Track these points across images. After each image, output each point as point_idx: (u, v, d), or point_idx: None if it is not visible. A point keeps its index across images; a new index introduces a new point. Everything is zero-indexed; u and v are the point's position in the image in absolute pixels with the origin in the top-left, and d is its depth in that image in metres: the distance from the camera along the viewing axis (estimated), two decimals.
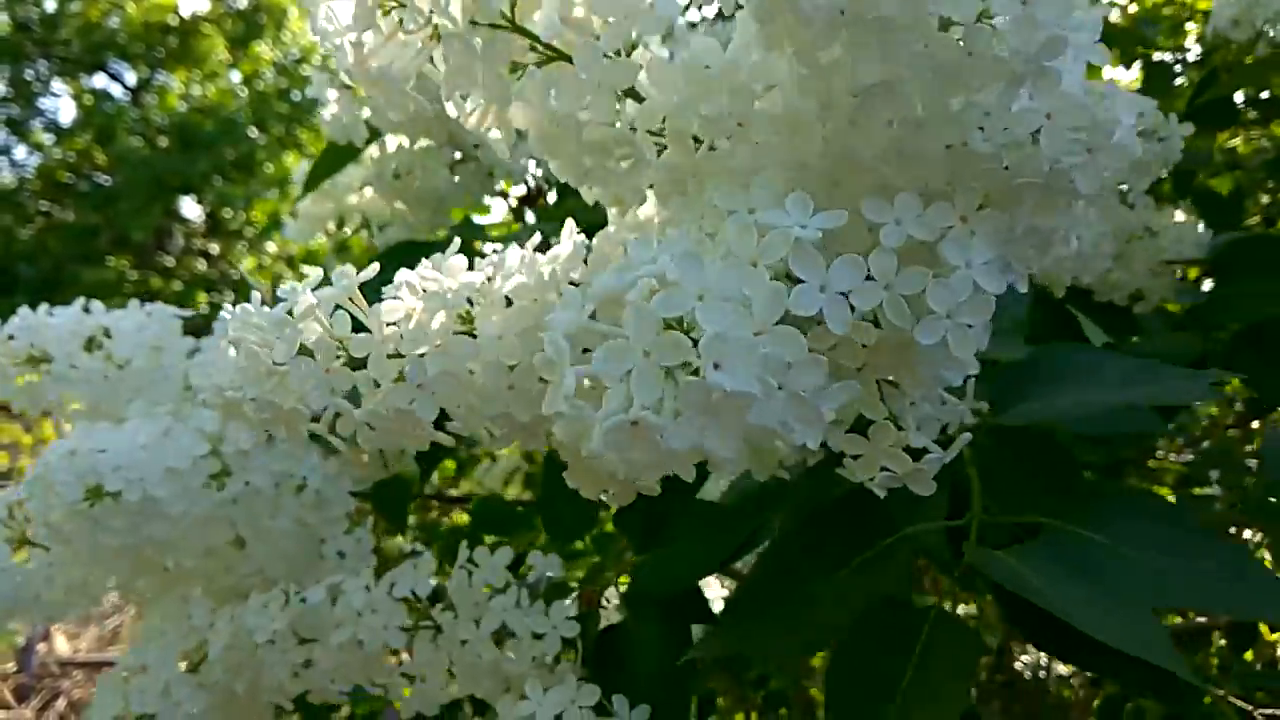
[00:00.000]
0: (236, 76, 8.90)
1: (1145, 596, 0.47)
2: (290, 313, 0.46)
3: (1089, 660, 0.51)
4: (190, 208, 8.21)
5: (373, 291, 0.50)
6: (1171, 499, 1.16)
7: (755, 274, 0.35)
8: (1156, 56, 1.18)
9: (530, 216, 0.98)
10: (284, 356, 0.45)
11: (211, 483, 0.70)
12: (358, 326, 0.48)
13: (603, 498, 0.56)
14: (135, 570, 0.76)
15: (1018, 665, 1.20)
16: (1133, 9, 1.27)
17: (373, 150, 0.91)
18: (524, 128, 0.44)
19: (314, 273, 0.48)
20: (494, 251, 0.52)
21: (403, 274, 0.48)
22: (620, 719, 0.66)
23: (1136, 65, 1.22)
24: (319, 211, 1.07)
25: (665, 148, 0.44)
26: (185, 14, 8.73)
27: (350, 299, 0.48)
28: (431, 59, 0.41)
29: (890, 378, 0.49)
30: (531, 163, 0.91)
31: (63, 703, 3.82)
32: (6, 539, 0.73)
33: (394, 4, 0.39)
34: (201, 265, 7.77)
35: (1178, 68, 1.20)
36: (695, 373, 0.32)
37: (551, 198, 0.98)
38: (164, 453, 0.66)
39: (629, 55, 0.43)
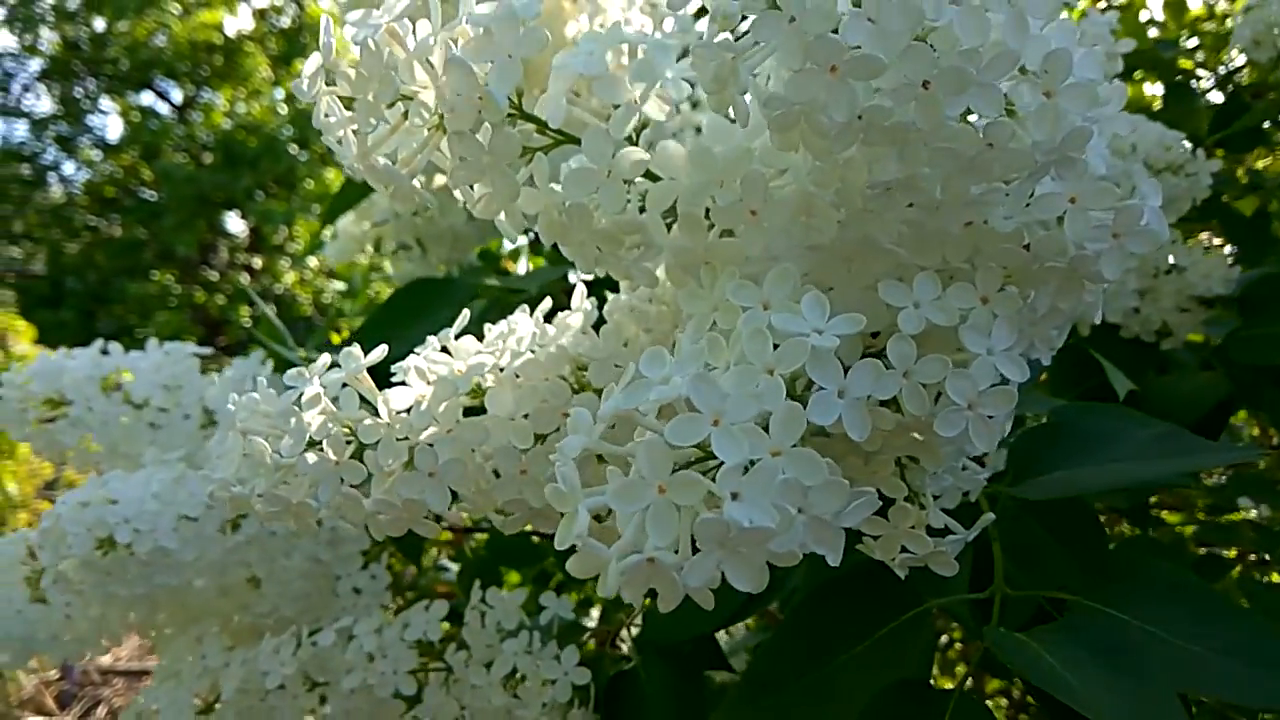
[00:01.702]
0: (279, 94, 8.98)
1: (1172, 682, 0.45)
2: (298, 402, 0.45)
3: None
4: (234, 223, 8.31)
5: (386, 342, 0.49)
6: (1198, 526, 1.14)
7: (772, 387, 0.34)
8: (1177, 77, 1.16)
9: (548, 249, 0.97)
10: (293, 451, 0.44)
11: (226, 526, 0.70)
12: (366, 404, 0.48)
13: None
14: (150, 613, 0.77)
15: None
16: (1154, 33, 1.24)
17: None
18: (531, 213, 0.43)
19: (323, 356, 0.47)
20: (505, 321, 0.51)
21: (411, 360, 0.47)
22: None
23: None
24: (357, 232, 1.07)
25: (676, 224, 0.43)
26: (230, 33, 8.81)
27: (358, 380, 0.48)
28: (439, 147, 0.41)
29: (909, 454, 0.49)
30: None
31: (103, 710, 3.89)
32: (26, 579, 0.73)
33: (400, 99, 0.38)
34: (245, 279, 7.86)
35: (1206, 83, 1.17)
36: (711, 499, 0.31)
37: None
38: (176, 501, 0.66)
39: (639, 136, 0.42)
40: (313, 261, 7.02)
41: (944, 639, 1.26)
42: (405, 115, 0.38)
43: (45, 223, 8.85)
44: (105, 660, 4.32)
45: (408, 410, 0.46)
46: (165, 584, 0.65)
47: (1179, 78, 1.15)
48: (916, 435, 0.45)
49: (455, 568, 1.17)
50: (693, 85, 0.45)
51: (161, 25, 8.71)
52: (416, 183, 0.42)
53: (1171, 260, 0.86)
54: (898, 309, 0.42)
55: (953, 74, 0.33)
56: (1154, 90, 1.21)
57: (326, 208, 0.95)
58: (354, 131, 0.39)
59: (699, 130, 0.43)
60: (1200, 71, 1.19)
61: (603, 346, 0.49)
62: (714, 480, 0.32)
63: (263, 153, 7.84)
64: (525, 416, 0.47)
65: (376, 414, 0.47)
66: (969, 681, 0.52)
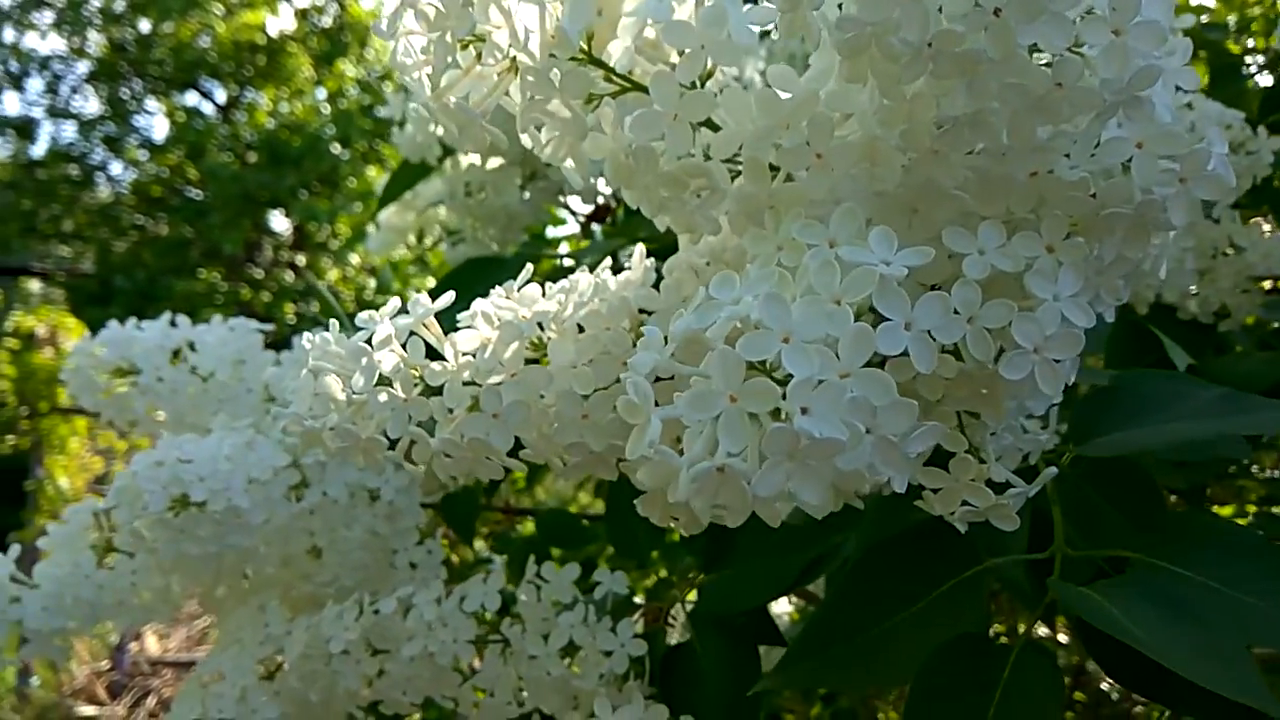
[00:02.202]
0: (322, 93, 9.14)
1: (1236, 635, 0.45)
2: (368, 341, 0.47)
3: (1176, 699, 0.49)
4: (279, 221, 8.48)
5: (448, 317, 0.50)
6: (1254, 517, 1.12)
7: (840, 314, 0.34)
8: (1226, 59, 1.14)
9: (598, 232, 0.98)
10: (363, 386, 0.45)
11: (291, 493, 0.72)
12: (433, 353, 0.49)
13: (671, 524, 0.56)
14: (215, 579, 0.78)
15: (1104, 685, 1.16)
16: (1204, 19, 1.23)
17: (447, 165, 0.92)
18: (599, 158, 0.44)
19: (393, 300, 0.49)
20: (566, 277, 0.52)
21: (478, 303, 0.48)
22: None
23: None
24: (400, 224, 1.08)
25: (740, 174, 0.44)
26: (272, 33, 9.00)
27: (426, 326, 0.49)
28: (508, 91, 0.42)
29: (970, 409, 0.48)
30: (601, 180, 0.91)
31: (153, 700, 3.97)
32: (92, 546, 0.75)
33: (472, 39, 0.39)
34: (289, 277, 8.01)
35: (1252, 67, 1.15)
36: (781, 416, 0.32)
37: (620, 213, 0.98)
38: (247, 464, 0.67)
39: (704, 84, 0.43)
40: (354, 259, 7.12)
41: None
42: (478, 57, 0.40)
43: (94, 222, 9.07)
44: (155, 651, 4.40)
45: (473, 354, 0.47)
46: (235, 545, 0.66)
47: (1227, 61, 1.13)
48: (979, 386, 0.45)
49: (502, 560, 1.18)
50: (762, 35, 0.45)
51: (205, 26, 8.89)
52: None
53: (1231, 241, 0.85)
54: (962, 255, 0.42)
55: (1025, 0, 0.33)
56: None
57: (383, 191, 0.96)
58: (428, 73, 0.40)
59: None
60: (1249, 57, 1.17)
61: (663, 300, 0.50)
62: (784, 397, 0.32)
63: (306, 151, 7.95)
64: (586, 365, 0.48)
65: (443, 359, 0.48)
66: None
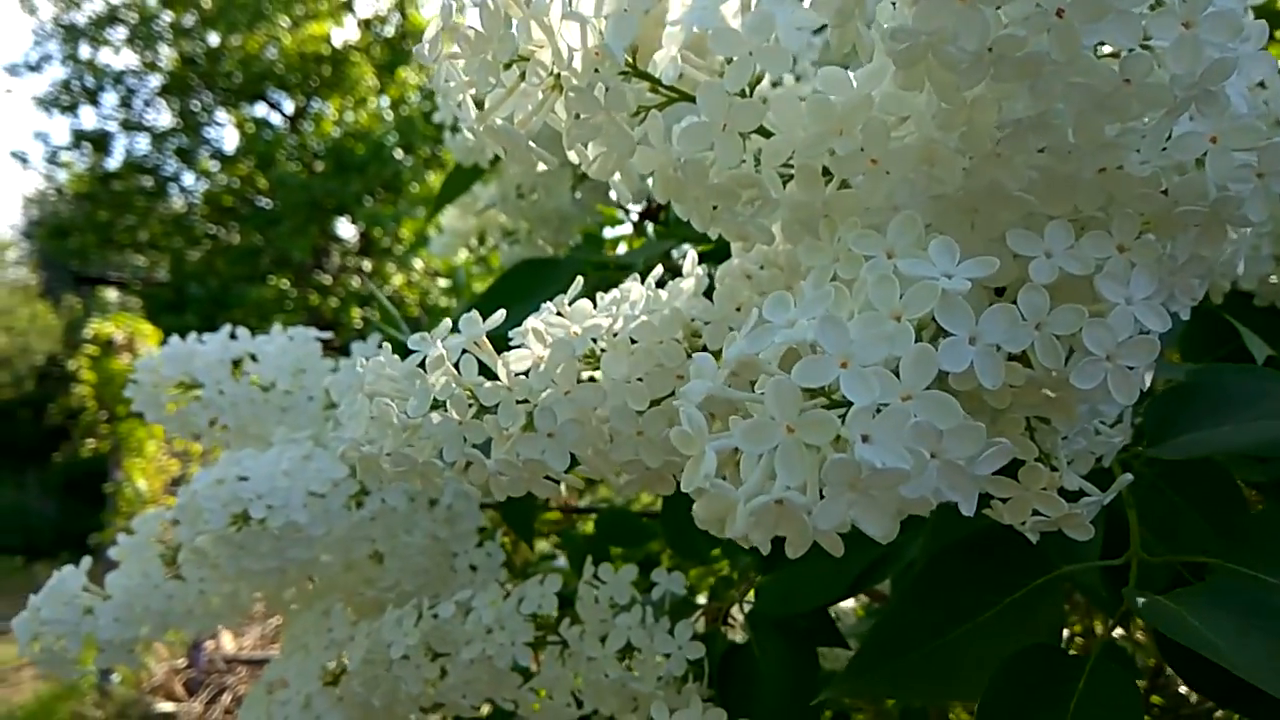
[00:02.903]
0: (385, 101, 9.27)
1: None
2: (421, 365, 0.46)
3: (1259, 709, 0.47)
4: (345, 228, 8.64)
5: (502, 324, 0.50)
6: None
7: (901, 332, 0.33)
8: None
9: (651, 231, 0.97)
10: (418, 411, 0.45)
11: (350, 503, 0.72)
12: (486, 371, 0.49)
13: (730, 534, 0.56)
14: (280, 585, 0.80)
15: (1182, 689, 1.14)
16: None
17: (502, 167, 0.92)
18: (646, 172, 0.43)
19: (444, 321, 0.48)
20: (618, 289, 0.51)
21: (529, 321, 0.48)
22: None
23: None
24: (462, 227, 1.09)
25: (792, 179, 0.43)
26: (337, 44, 9.15)
27: (478, 345, 0.49)
28: (554, 109, 0.41)
29: (1040, 415, 0.47)
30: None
31: (228, 697, 4.10)
32: (160, 555, 0.77)
33: (516, 59, 0.39)
34: (356, 282, 8.16)
35: None
36: (840, 445, 0.31)
37: (672, 211, 0.97)
38: (305, 477, 0.68)
39: (753, 90, 0.42)
40: (418, 263, 7.24)
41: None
42: (522, 76, 0.39)
43: (168, 232, 9.35)
44: (230, 649, 4.53)
45: (526, 373, 0.47)
46: (296, 558, 0.67)
47: None
48: (1048, 392, 0.43)
49: (563, 556, 1.18)
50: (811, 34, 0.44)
51: (272, 38, 9.09)
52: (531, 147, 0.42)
53: None
54: (1028, 259, 0.40)
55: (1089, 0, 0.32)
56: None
57: (437, 195, 0.97)
58: (472, 95, 0.39)
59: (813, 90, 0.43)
60: None
61: (716, 310, 0.49)
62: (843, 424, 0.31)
63: (370, 159, 8.11)
64: (640, 379, 0.47)
65: (495, 378, 0.47)
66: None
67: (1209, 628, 0.42)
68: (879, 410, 0.31)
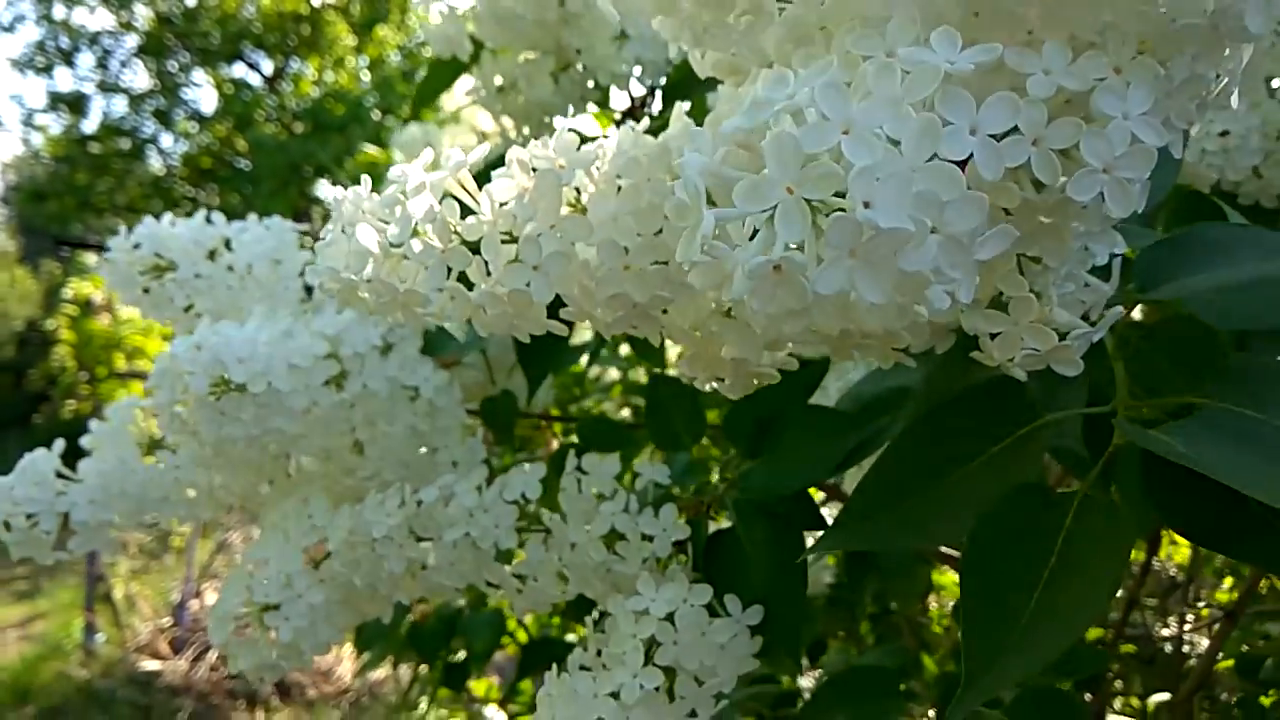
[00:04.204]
0: (363, 61, 9.14)
1: None
2: (402, 194, 0.45)
3: (1247, 548, 0.48)
4: (326, 189, 8.58)
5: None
6: None
7: (904, 113, 0.32)
8: None
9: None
10: (398, 236, 0.44)
11: (331, 385, 0.71)
12: (467, 211, 0.47)
13: (715, 386, 0.55)
14: (258, 475, 0.79)
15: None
16: None
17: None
18: None
19: (425, 150, 0.47)
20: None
21: (513, 151, 0.46)
22: (734, 619, 0.65)
23: None
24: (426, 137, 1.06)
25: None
26: (315, 2, 8.99)
27: (460, 182, 0.47)
28: None
29: (1032, 253, 0.46)
30: (636, 70, 0.89)
31: (213, 654, 4.09)
32: (136, 443, 0.76)
33: None
34: None
35: None
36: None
37: (656, 108, 0.95)
38: (286, 350, 0.67)
39: None
40: None
41: None
42: None
43: (146, 194, 9.23)
44: None
45: (510, 204, 0.46)
46: (277, 429, 0.66)
47: None
48: (1043, 218, 0.43)
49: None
50: None
51: None
52: None
53: None
54: (1026, 75, 0.40)
55: None
56: None
57: (417, 92, 0.95)
58: None
59: None
60: None
61: (706, 144, 0.48)
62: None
63: (349, 119, 8.01)
64: (628, 215, 0.46)
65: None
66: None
67: (1195, 451, 0.41)
68: (881, 177, 0.30)
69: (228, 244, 0.81)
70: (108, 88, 9.98)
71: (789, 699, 1.32)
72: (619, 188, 0.47)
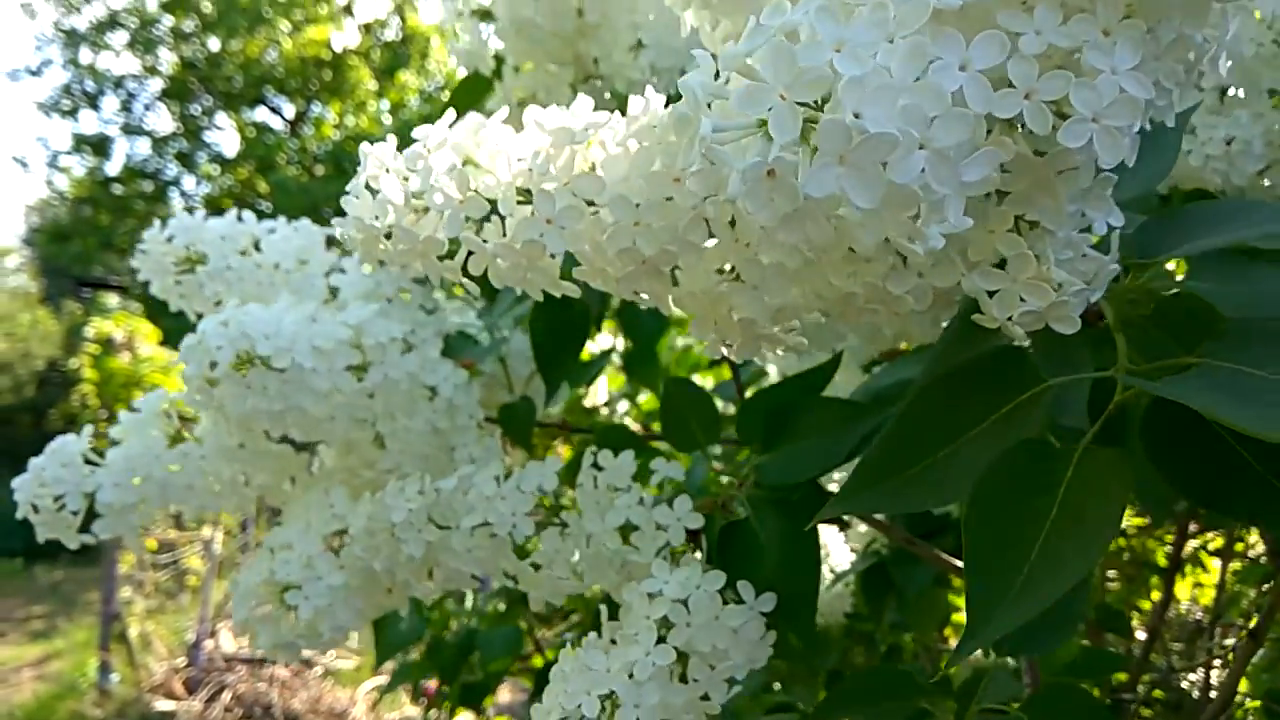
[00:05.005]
0: (384, 104, 9.32)
1: None
2: (425, 150, 0.48)
3: (1244, 506, 0.48)
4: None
5: None
6: None
7: (893, 37, 0.34)
8: None
9: None
10: (419, 187, 0.46)
11: (353, 374, 0.73)
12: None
13: (724, 352, 0.56)
14: (282, 469, 0.80)
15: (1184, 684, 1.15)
16: None
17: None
18: None
19: (448, 112, 0.50)
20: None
21: (531, 110, 0.49)
22: (747, 605, 0.66)
23: None
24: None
25: None
26: (337, 48, 9.22)
27: (477, 141, 0.50)
28: None
29: (1030, 216, 0.48)
30: (654, 80, 0.92)
31: (228, 695, 4.10)
32: (164, 433, 0.78)
33: None
34: None
35: None
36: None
37: None
38: (311, 332, 0.69)
39: None
40: None
41: None
42: None
43: None
44: (230, 648, 4.52)
45: (526, 161, 0.48)
46: (300, 405, 0.68)
47: None
48: (1038, 176, 0.45)
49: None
50: None
51: (272, 42, 9.15)
52: None
53: None
54: (1018, 35, 0.42)
55: None
56: None
57: (448, 105, 0.97)
58: None
59: None
60: None
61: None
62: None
63: None
64: (641, 179, 0.48)
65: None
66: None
67: (1195, 399, 0.43)
68: (871, 85, 0.32)
69: (257, 245, 0.84)
70: (131, 130, 10.20)
71: None
72: (632, 152, 0.49)
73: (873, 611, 1.24)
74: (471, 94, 0.97)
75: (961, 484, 0.50)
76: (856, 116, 0.31)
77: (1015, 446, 0.48)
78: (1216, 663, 1.32)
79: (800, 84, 0.32)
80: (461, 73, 0.99)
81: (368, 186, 0.47)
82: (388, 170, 0.48)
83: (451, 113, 0.49)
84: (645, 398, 1.63)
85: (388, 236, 0.47)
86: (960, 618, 1.43)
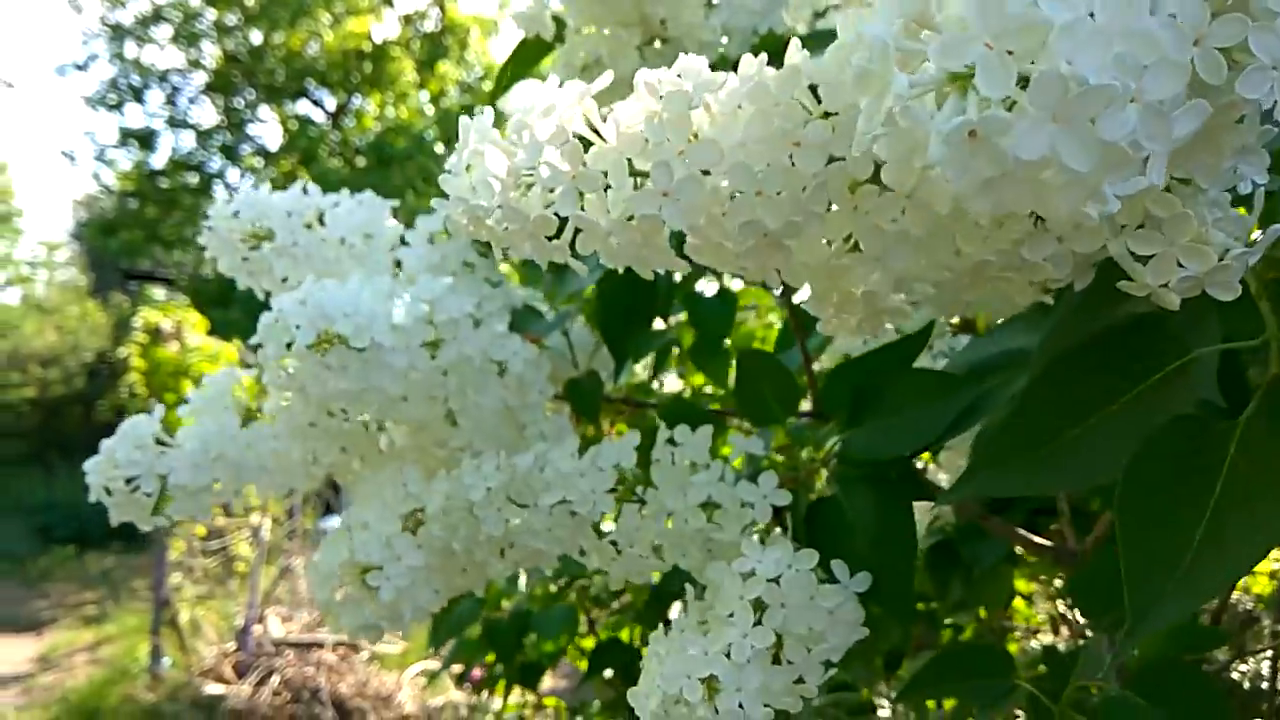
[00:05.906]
0: (424, 96, 9.34)
1: None
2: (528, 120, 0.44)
3: None
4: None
5: None
6: None
7: None
8: None
9: None
10: (526, 161, 0.43)
11: (426, 350, 0.71)
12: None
13: (836, 322, 0.53)
14: (352, 447, 0.78)
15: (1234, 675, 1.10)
16: None
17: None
18: None
19: (551, 78, 0.46)
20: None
21: (642, 73, 0.45)
22: (841, 585, 0.63)
23: None
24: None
25: None
26: (377, 40, 9.24)
27: (586, 107, 0.46)
28: None
29: (1181, 174, 0.44)
30: (724, 40, 0.88)
31: (276, 679, 4.15)
32: (237, 411, 0.76)
33: None
34: None
35: None
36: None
37: None
38: (388, 310, 0.67)
39: None
40: None
41: None
42: None
43: None
44: (279, 633, 4.57)
45: (637, 130, 0.45)
46: (378, 384, 0.66)
47: None
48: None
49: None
50: None
51: (313, 35, 9.20)
52: None
53: None
54: None
55: None
56: None
57: (500, 73, 0.94)
58: None
59: None
60: None
61: (833, 68, 0.46)
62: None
63: (410, 152, 8.18)
64: (757, 143, 0.45)
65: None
66: None
67: None
68: (1084, 31, 0.28)
69: (321, 219, 0.81)
70: (176, 124, 10.31)
71: (867, 708, 1.28)
72: (746, 113, 0.46)
73: (938, 589, 1.20)
74: (528, 60, 0.93)
75: (1102, 463, 0.47)
76: (1069, 65, 0.28)
77: (1169, 424, 0.44)
78: (1269, 653, 1.27)
79: (1009, 32, 0.28)
80: (505, 53, 0.96)
81: (468, 165, 0.44)
82: (490, 140, 0.44)
83: (555, 78, 0.46)
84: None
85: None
86: (1022, 600, 1.39)
